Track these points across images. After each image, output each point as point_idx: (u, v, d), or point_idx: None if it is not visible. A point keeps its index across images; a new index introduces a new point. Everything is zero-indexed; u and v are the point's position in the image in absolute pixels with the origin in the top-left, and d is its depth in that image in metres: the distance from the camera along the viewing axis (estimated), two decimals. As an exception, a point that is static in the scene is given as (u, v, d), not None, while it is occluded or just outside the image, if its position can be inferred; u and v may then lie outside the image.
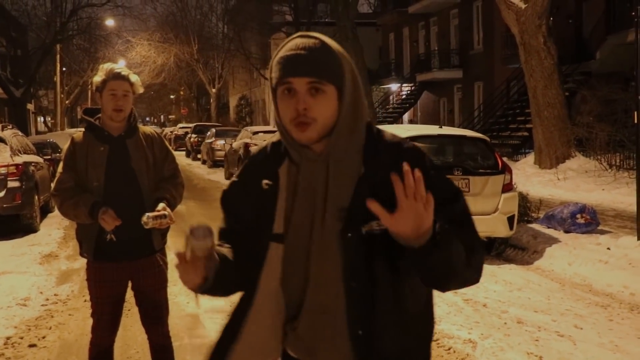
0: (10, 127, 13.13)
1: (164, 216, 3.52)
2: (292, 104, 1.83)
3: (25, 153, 12.11)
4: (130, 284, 3.82)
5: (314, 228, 1.91)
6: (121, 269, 3.71)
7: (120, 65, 3.73)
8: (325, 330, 1.93)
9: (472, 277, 1.89)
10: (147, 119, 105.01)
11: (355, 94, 1.89)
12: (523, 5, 16.67)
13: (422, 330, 1.99)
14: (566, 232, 9.17)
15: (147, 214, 3.47)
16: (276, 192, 1.95)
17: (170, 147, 3.96)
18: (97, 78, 3.63)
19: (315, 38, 1.86)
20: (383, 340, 1.89)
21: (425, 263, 1.74)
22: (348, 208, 1.85)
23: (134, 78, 3.66)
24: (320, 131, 1.85)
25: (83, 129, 3.78)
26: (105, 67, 3.66)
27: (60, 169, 3.68)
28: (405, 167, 1.65)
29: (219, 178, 21.35)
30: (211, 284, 1.91)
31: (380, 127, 2.00)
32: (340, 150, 1.88)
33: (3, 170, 10.70)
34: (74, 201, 3.56)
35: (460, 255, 1.78)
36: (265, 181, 1.97)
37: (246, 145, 18.62)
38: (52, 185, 3.69)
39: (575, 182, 14.95)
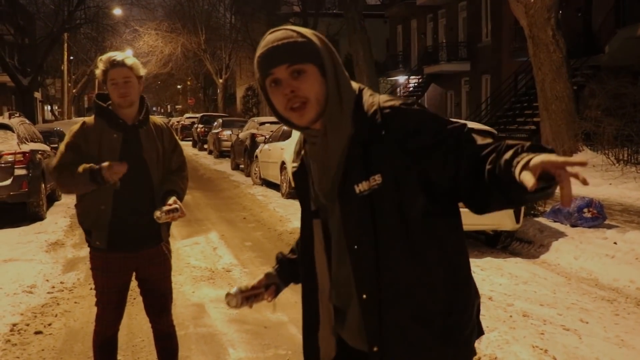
0: (18, 115, 13.15)
1: (176, 210, 3.52)
2: (280, 92, 1.93)
3: (32, 141, 12.13)
4: (135, 274, 3.82)
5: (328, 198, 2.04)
6: (128, 259, 3.71)
7: (117, 53, 3.66)
8: (346, 300, 2.03)
9: None
10: (154, 108, 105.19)
11: (336, 69, 1.97)
12: (532, -2, 16.59)
13: (446, 297, 1.94)
14: (573, 226, 9.14)
15: (160, 208, 3.48)
16: (305, 172, 2.11)
17: (178, 140, 3.95)
18: (98, 71, 3.61)
19: (284, 29, 1.99)
20: (392, 305, 1.93)
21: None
22: (343, 168, 1.94)
23: (130, 61, 3.59)
24: (317, 109, 1.94)
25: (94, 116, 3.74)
26: (103, 58, 3.62)
27: (62, 147, 3.63)
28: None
29: (225, 168, 21.38)
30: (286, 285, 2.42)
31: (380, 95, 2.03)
32: (334, 119, 1.95)
33: (10, 158, 10.73)
34: (70, 171, 3.51)
35: None
36: (293, 164, 2.14)
37: (253, 136, 18.61)
38: (53, 161, 3.64)
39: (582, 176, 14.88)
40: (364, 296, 1.94)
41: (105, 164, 3.41)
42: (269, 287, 2.38)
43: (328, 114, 1.95)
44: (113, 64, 3.55)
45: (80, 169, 3.48)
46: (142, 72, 3.67)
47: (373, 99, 1.98)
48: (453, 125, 1.88)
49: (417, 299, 1.93)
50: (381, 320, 1.93)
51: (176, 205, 3.53)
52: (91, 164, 3.47)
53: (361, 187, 1.91)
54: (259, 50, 1.97)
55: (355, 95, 2.00)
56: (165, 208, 3.49)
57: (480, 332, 2.11)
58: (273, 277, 2.39)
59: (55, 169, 3.62)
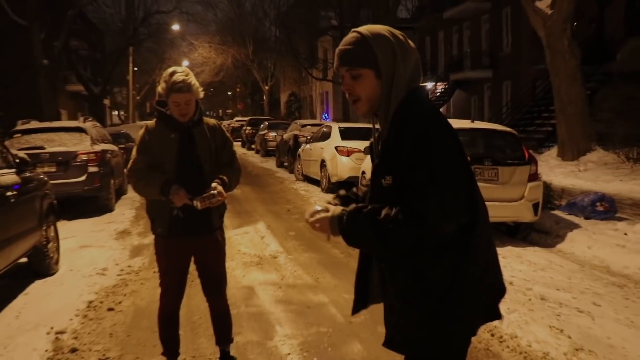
0: (90, 119, 13.40)
1: (213, 195, 3.52)
2: (343, 85, 2.17)
3: (102, 142, 12.36)
4: (193, 259, 3.89)
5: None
6: (186, 245, 3.78)
7: (180, 72, 3.58)
8: (375, 269, 2.25)
9: (396, 251, 2.01)
10: (207, 112, 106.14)
11: (395, 71, 2.07)
12: (549, 11, 16.32)
13: (432, 276, 2.01)
14: (586, 218, 9.01)
15: (196, 198, 3.51)
16: (372, 146, 2.31)
17: (229, 137, 3.98)
18: (160, 89, 3.59)
19: (357, 32, 2.12)
20: (397, 276, 2.09)
21: (348, 243, 2.07)
22: (377, 164, 2.13)
23: (194, 87, 3.56)
24: (369, 106, 2.14)
25: (155, 119, 3.80)
26: (166, 77, 3.57)
27: (134, 152, 3.71)
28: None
29: (271, 166, 21.48)
30: None
31: (419, 103, 2.10)
32: (382, 118, 2.15)
33: (84, 157, 10.95)
34: (146, 180, 3.60)
35: (366, 235, 1.99)
36: (372, 140, 2.32)
37: (295, 137, 18.66)
38: (128, 165, 3.72)
39: (595, 173, 14.63)
40: (382, 265, 2.16)
41: (176, 186, 3.51)
42: None
43: (381, 112, 2.13)
44: (177, 90, 3.52)
45: (155, 179, 3.57)
46: (201, 95, 3.67)
47: (411, 110, 2.05)
48: (431, 175, 1.92)
49: (405, 277, 2.07)
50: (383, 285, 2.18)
51: (213, 192, 3.54)
52: (166, 177, 3.56)
53: (383, 181, 2.05)
54: (338, 47, 2.15)
55: (403, 96, 2.08)
56: (201, 196, 3.50)
57: (492, 317, 2.19)
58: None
59: (129, 173, 3.70)
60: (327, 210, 2.18)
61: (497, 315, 2.20)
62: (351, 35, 2.12)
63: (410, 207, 1.91)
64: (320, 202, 2.33)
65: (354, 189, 2.48)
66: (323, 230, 2.13)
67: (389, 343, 2.16)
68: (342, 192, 2.46)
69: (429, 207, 1.89)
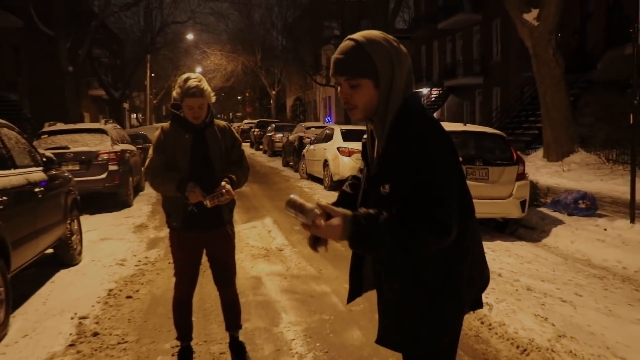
0: (111, 121, 13.42)
1: (222, 194, 3.51)
2: (340, 92, 2.00)
3: (122, 143, 12.35)
4: (205, 251, 3.88)
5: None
6: (199, 238, 3.77)
7: (193, 78, 3.57)
8: (369, 263, 2.16)
9: (405, 256, 1.89)
10: (218, 115, 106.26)
11: (393, 80, 1.93)
12: (536, 23, 16.28)
13: (429, 280, 1.93)
14: (569, 215, 8.99)
15: (206, 196, 3.50)
16: (366, 146, 2.15)
17: (238, 137, 3.96)
18: (175, 94, 3.57)
19: (354, 40, 1.93)
20: (394, 277, 1.99)
21: (355, 249, 1.95)
22: (375, 173, 1.98)
23: (206, 92, 3.55)
24: (365, 113, 1.98)
25: (170, 121, 3.79)
26: (181, 83, 3.56)
27: (151, 151, 3.70)
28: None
29: (277, 165, 21.48)
30: None
31: (417, 113, 1.95)
32: (378, 124, 1.98)
33: (105, 157, 10.96)
34: (163, 178, 3.59)
35: (382, 243, 1.82)
36: (365, 136, 2.17)
37: (300, 138, 18.65)
38: (146, 163, 3.71)
39: (577, 173, 14.61)
40: (378, 267, 2.05)
41: (192, 184, 3.50)
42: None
43: (377, 118, 1.98)
44: (190, 95, 3.52)
45: (171, 177, 3.56)
46: (213, 99, 3.67)
47: (409, 119, 1.91)
48: (424, 183, 1.82)
49: (401, 278, 1.97)
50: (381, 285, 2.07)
51: (222, 190, 3.52)
52: (181, 175, 3.56)
53: (382, 189, 1.91)
54: (333, 54, 1.98)
55: (399, 105, 1.94)
56: (210, 195, 3.50)
57: (476, 307, 2.15)
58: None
59: (147, 171, 3.69)
60: (316, 210, 1.97)
61: (480, 305, 2.16)
62: (348, 44, 1.93)
63: (427, 215, 1.79)
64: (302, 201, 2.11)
65: (339, 196, 2.33)
66: (331, 236, 1.91)
67: (382, 341, 2.06)
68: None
69: (446, 213, 1.80)
